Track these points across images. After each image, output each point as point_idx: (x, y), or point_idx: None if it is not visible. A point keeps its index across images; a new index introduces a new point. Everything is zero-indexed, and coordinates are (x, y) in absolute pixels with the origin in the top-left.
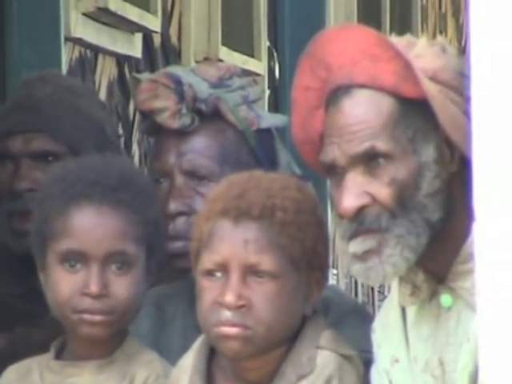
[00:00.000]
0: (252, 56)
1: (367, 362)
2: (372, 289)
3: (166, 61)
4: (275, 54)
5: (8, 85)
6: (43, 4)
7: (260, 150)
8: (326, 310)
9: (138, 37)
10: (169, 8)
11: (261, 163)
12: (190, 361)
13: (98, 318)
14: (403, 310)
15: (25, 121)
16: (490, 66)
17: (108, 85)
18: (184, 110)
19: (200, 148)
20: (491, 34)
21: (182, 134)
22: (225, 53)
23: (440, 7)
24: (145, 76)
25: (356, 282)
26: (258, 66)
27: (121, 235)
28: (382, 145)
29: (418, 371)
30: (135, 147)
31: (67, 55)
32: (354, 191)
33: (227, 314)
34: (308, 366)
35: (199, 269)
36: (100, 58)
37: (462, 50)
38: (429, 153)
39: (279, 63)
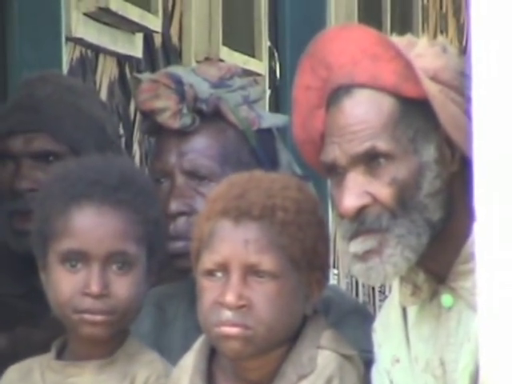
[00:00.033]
0: (253, 56)
1: (368, 362)
2: (373, 289)
3: (167, 61)
4: (276, 54)
5: (9, 84)
6: (44, 4)
7: (261, 149)
8: (327, 310)
9: (139, 37)
10: (170, 8)
11: (262, 163)
12: (190, 361)
13: (98, 317)
14: (404, 310)
15: (26, 121)
16: (490, 66)
17: (109, 85)
18: (185, 110)
19: (201, 148)
20: (492, 34)
21: (183, 134)
22: (226, 53)
23: (441, 7)
24: (146, 76)
25: (357, 282)
26: (259, 65)
27: (122, 235)
28: (382, 145)
29: (418, 371)
30: (136, 147)
31: (68, 55)
32: (355, 191)
33: (228, 314)
34: (309, 366)
35: (200, 269)
36: (101, 57)
37: (463, 50)
38: (429, 153)
39: (280, 63)
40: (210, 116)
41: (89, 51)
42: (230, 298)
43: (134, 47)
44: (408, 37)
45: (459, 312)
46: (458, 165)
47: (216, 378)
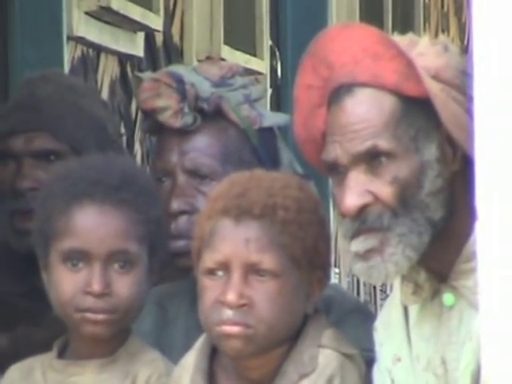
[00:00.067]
0: (254, 55)
1: (369, 361)
2: (374, 288)
3: (168, 60)
4: (277, 53)
5: (10, 84)
6: (45, 3)
7: (262, 148)
8: (328, 309)
9: (140, 36)
10: (171, 7)
11: (263, 162)
12: (192, 360)
13: (100, 316)
14: (405, 309)
15: (27, 120)
16: (492, 65)
17: (110, 84)
18: (186, 109)
19: (202, 147)
20: (493, 33)
21: (184, 132)
22: (227, 52)
23: (442, 6)
24: (147, 75)
25: (358, 281)
26: (260, 64)
27: (123, 234)
28: (384, 143)
29: (420, 370)
30: (137, 146)
31: (69, 54)
32: (356, 190)
33: (229, 313)
34: (310, 365)
35: (201, 268)
36: (102, 56)
37: (465, 49)
38: (431, 151)
39: (281, 62)
40: (211, 115)
41: (90, 50)
42: (230, 296)
43: (136, 46)
44: (409, 36)
45: (461, 311)
46: (459, 164)
47: (217, 376)
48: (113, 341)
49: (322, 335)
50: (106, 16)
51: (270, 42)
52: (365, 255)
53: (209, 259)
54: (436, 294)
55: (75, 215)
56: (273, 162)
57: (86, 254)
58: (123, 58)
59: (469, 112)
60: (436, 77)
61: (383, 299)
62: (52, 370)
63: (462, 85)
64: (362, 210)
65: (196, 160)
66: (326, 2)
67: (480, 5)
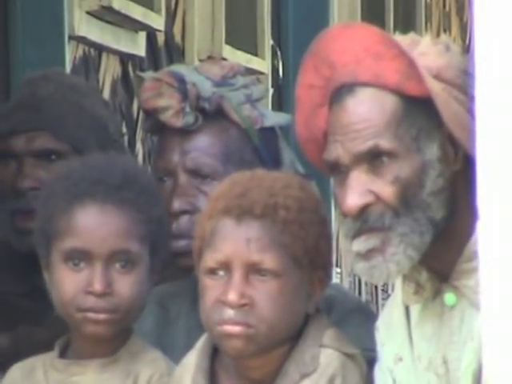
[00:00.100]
0: (256, 54)
1: (371, 361)
2: (376, 287)
3: (170, 59)
4: (279, 53)
5: (12, 83)
6: (47, 3)
7: (263, 148)
8: (330, 309)
9: (142, 35)
10: (172, 6)
11: (264, 162)
12: (193, 359)
13: (102, 316)
14: (407, 309)
15: (28, 119)
16: (493, 65)
17: (112, 83)
18: (187, 109)
19: (203, 146)
20: (495, 32)
21: (186, 132)
22: (228, 51)
23: (444, 5)
24: (148, 75)
25: (360, 281)
26: (262, 64)
27: (125, 234)
28: (385, 143)
29: (421, 370)
30: (139, 146)
31: (71, 54)
32: (358, 190)
33: (230, 313)
34: (311, 365)
35: (202, 267)
36: (104, 56)
37: (466, 49)
38: (432, 151)
39: (283, 62)
40: (212, 114)
41: (92, 50)
42: (232, 296)
43: (137, 46)
44: (411, 35)
45: (462, 310)
46: (460, 163)
47: (218, 376)
48: (114, 340)
49: (324, 335)
50: (107, 16)
51: (271, 42)
52: (366, 255)
53: (210, 259)
54: (437, 293)
55: (77, 215)
56: (274, 162)
57: (88, 254)
58: (125, 58)
59: (470, 112)
60: (437, 76)
61: (385, 299)
62: (53, 369)
63: (463, 84)
64: (364, 209)
65: (197, 160)
66: (328, 1)
67: (481, 4)
